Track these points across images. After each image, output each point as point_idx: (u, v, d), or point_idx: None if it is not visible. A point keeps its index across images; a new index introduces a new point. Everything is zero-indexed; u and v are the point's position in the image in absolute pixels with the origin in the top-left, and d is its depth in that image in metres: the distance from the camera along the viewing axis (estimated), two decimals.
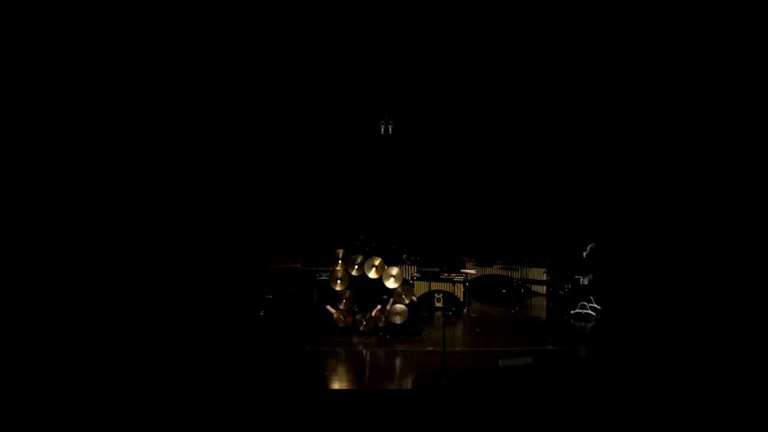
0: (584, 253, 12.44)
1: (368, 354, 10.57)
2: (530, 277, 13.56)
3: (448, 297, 12.81)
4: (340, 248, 11.49)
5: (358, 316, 11.23)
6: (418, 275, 12.94)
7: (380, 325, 11.17)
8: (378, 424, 8.25)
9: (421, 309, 11.90)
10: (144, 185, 13.70)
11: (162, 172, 13.81)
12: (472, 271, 13.44)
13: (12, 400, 8.42)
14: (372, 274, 11.32)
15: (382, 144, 14.43)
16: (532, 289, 13.70)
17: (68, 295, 12.22)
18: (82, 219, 13.17)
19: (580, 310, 12.33)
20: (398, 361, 10.42)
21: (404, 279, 11.58)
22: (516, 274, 13.42)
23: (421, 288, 12.81)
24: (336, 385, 9.51)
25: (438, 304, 12.87)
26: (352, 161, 14.56)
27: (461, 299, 12.72)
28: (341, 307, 11.25)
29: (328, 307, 11.33)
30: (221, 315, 12.11)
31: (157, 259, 13.32)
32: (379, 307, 11.25)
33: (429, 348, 10.68)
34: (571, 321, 12.13)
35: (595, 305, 12.37)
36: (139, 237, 13.53)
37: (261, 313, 12.27)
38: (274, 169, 14.35)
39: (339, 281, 11.31)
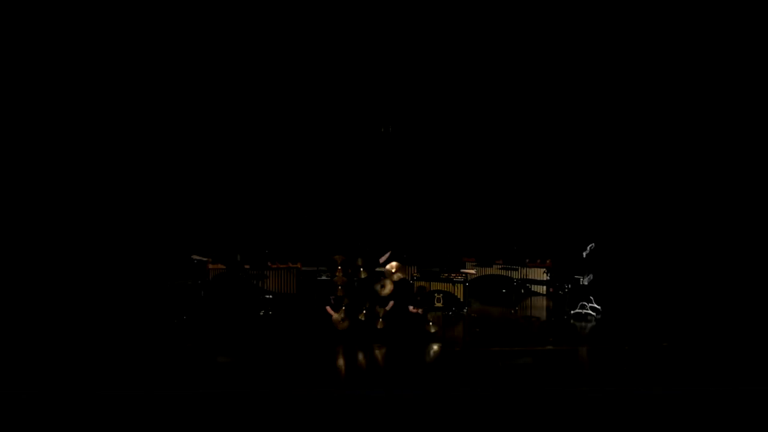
0: (584, 253, 12.43)
1: (367, 354, 10.56)
2: (530, 277, 13.54)
3: (448, 297, 12.79)
4: (340, 248, 11.44)
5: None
6: (418, 275, 12.93)
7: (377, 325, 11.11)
8: (378, 423, 8.25)
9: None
10: (145, 185, 13.72)
11: (163, 172, 13.83)
12: (472, 271, 13.42)
13: (9, 400, 8.42)
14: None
15: (381, 144, 14.43)
16: (532, 289, 13.69)
17: (69, 295, 12.22)
18: (81, 219, 13.19)
19: (580, 310, 12.32)
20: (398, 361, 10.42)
21: None
22: (516, 274, 13.41)
23: None
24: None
25: (438, 304, 12.86)
26: (352, 161, 14.55)
27: (461, 299, 12.71)
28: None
29: (328, 308, 11.31)
30: (221, 315, 12.10)
31: (157, 258, 13.33)
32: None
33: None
34: (571, 321, 12.11)
35: (595, 305, 12.37)
36: (139, 236, 13.54)
37: (261, 313, 12.26)
38: (275, 169, 14.35)
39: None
